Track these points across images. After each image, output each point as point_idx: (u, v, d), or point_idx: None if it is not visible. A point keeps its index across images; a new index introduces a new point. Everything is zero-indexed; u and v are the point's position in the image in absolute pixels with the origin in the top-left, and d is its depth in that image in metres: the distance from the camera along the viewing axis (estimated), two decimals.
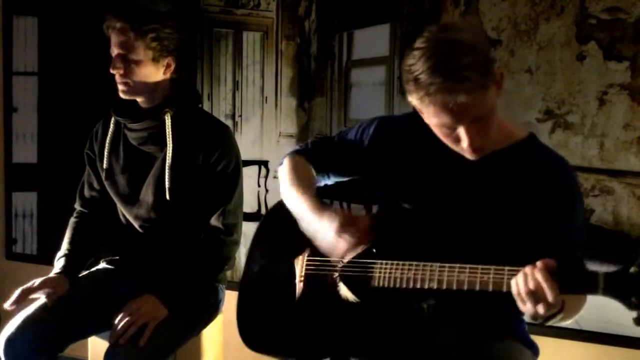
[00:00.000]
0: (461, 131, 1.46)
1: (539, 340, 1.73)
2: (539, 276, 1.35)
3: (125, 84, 2.00)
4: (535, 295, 1.35)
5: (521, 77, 2.29)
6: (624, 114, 2.19)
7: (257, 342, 1.76)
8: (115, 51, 1.98)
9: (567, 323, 1.56)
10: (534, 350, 1.68)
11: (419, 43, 1.46)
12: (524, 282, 1.37)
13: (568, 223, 1.57)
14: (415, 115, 1.72)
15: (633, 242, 2.21)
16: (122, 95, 2.04)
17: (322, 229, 1.62)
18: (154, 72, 2.02)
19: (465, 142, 1.47)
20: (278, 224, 1.80)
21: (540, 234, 1.54)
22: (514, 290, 1.39)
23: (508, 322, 1.67)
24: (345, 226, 1.59)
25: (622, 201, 2.22)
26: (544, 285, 1.34)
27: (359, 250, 1.60)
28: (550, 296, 1.33)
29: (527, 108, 2.30)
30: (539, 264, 1.37)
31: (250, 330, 1.78)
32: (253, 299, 1.81)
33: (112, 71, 2.00)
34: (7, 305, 1.94)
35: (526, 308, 1.38)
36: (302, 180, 1.74)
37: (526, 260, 1.45)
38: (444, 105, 1.42)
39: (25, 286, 1.99)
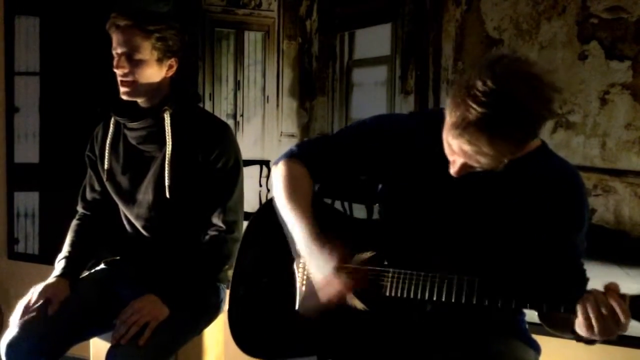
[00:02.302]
0: (457, 162, 1.46)
1: (542, 340, 1.73)
2: (612, 301, 1.32)
3: (128, 84, 1.99)
4: (607, 321, 1.32)
5: None
6: (626, 113, 2.19)
7: (254, 347, 1.74)
8: (119, 50, 1.97)
9: None
10: (536, 348, 1.68)
11: (485, 75, 1.36)
12: (593, 307, 1.33)
13: (576, 233, 1.57)
14: (417, 116, 1.71)
15: (635, 241, 2.21)
16: (123, 97, 2.02)
17: (318, 263, 1.58)
18: (157, 73, 2.01)
19: (452, 170, 1.48)
20: (270, 224, 1.75)
21: (547, 243, 1.54)
22: (580, 315, 1.35)
23: (510, 322, 1.67)
24: (343, 267, 1.55)
25: (623, 201, 2.22)
26: (618, 309, 1.31)
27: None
28: (623, 321, 1.31)
29: None
30: (608, 288, 1.34)
31: (245, 334, 1.76)
32: (247, 302, 1.78)
33: (115, 70, 1.98)
34: (14, 323, 1.92)
35: (593, 333, 1.34)
36: (300, 197, 1.67)
37: (532, 267, 1.46)
38: (462, 149, 1.41)
39: (25, 300, 1.97)
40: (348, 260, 1.59)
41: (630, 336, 2.18)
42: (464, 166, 1.46)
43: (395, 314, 1.58)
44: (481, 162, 1.41)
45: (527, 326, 1.71)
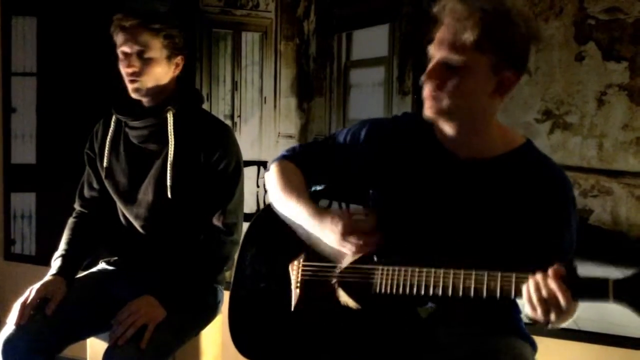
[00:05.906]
0: (435, 58, 1.49)
1: (539, 340, 1.73)
2: (552, 284, 1.34)
3: (138, 82, 2.00)
4: (548, 303, 1.34)
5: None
6: (623, 114, 2.20)
7: (252, 350, 1.74)
8: (128, 49, 1.98)
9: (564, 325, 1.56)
10: (533, 345, 1.69)
11: None
12: (535, 290, 1.36)
13: (561, 230, 1.57)
14: (406, 117, 1.72)
15: (632, 242, 2.21)
16: (133, 95, 2.03)
17: (325, 235, 1.61)
18: (166, 71, 2.03)
19: (423, 76, 1.49)
20: (269, 226, 1.77)
21: (533, 239, 1.54)
22: (524, 297, 1.38)
23: (506, 319, 1.68)
24: (349, 229, 1.57)
25: (620, 201, 2.22)
26: (558, 293, 1.33)
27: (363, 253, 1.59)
28: (564, 304, 1.33)
29: (526, 109, 2.30)
30: (550, 271, 1.36)
31: (244, 337, 1.76)
32: (246, 305, 1.78)
33: (126, 69, 1.99)
34: (11, 321, 1.92)
35: (537, 314, 1.37)
36: (295, 186, 1.70)
37: (521, 264, 1.45)
38: (448, 25, 1.48)
39: (22, 299, 1.96)
40: (353, 219, 1.60)
41: (630, 337, 2.19)
42: (438, 64, 1.48)
43: (390, 312, 1.58)
44: (459, 38, 1.45)
45: (524, 324, 1.71)
